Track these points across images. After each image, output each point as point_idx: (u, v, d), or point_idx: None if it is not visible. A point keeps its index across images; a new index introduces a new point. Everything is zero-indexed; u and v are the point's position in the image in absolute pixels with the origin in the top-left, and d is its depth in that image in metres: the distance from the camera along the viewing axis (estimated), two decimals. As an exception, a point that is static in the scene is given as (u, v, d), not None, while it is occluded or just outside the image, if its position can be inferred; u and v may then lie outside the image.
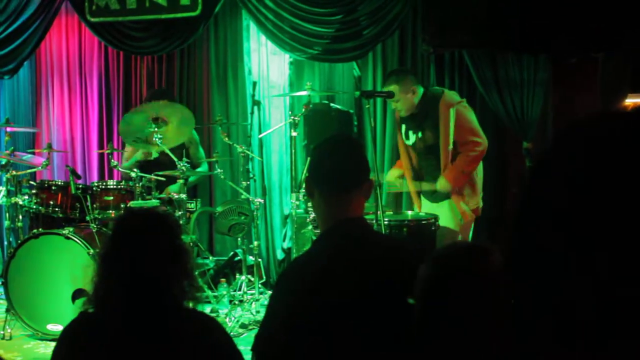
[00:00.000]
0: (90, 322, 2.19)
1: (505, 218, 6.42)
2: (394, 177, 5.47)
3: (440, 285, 1.82)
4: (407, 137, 5.30)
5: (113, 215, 5.53)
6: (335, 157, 2.38)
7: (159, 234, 2.20)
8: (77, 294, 5.21)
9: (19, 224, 5.67)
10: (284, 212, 6.93)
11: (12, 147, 5.71)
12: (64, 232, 5.29)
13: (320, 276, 2.21)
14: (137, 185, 5.53)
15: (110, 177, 6.84)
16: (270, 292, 5.97)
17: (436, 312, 1.82)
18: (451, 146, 5.04)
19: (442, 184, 5.07)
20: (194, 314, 2.26)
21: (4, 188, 5.60)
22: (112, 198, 5.59)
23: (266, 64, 6.96)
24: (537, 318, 0.73)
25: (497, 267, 1.78)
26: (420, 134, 5.19)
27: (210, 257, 6.27)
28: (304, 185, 5.15)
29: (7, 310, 5.36)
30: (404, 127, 5.33)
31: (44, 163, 5.70)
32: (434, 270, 1.84)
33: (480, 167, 5.29)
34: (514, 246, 0.78)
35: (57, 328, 5.23)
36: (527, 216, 0.77)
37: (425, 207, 5.37)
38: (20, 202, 5.59)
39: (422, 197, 5.42)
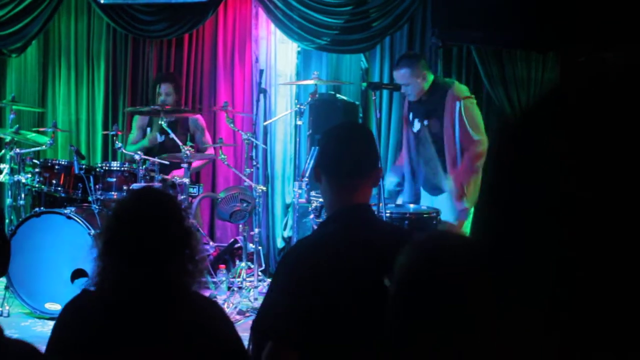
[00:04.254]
0: (91, 300, 2.17)
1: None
2: (392, 185, 5.48)
3: (438, 281, 1.57)
4: (413, 125, 5.31)
5: (115, 196, 5.53)
6: (345, 143, 2.38)
7: (166, 215, 2.16)
8: (76, 273, 5.22)
9: (21, 202, 5.68)
10: (285, 201, 6.93)
11: (17, 125, 5.71)
12: (65, 211, 5.29)
13: (328, 258, 2.20)
14: (141, 168, 5.54)
15: (114, 159, 6.83)
16: (269, 280, 5.99)
17: (423, 310, 1.58)
18: (457, 144, 5.04)
19: (451, 186, 5.05)
20: (197, 298, 2.23)
21: (7, 166, 5.60)
22: (115, 180, 5.60)
23: (274, 52, 6.94)
24: None
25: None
26: (426, 122, 5.19)
27: (211, 243, 6.27)
28: (308, 172, 5.15)
29: (6, 288, 5.36)
30: (411, 114, 5.34)
31: (48, 142, 5.70)
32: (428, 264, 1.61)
33: None
34: None
35: (55, 307, 5.25)
36: None
37: (425, 200, 5.37)
38: (23, 180, 5.59)
39: (422, 190, 5.42)
